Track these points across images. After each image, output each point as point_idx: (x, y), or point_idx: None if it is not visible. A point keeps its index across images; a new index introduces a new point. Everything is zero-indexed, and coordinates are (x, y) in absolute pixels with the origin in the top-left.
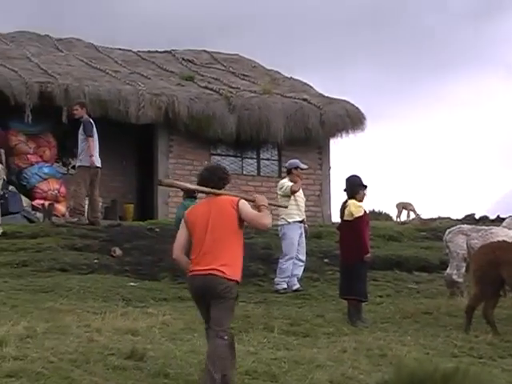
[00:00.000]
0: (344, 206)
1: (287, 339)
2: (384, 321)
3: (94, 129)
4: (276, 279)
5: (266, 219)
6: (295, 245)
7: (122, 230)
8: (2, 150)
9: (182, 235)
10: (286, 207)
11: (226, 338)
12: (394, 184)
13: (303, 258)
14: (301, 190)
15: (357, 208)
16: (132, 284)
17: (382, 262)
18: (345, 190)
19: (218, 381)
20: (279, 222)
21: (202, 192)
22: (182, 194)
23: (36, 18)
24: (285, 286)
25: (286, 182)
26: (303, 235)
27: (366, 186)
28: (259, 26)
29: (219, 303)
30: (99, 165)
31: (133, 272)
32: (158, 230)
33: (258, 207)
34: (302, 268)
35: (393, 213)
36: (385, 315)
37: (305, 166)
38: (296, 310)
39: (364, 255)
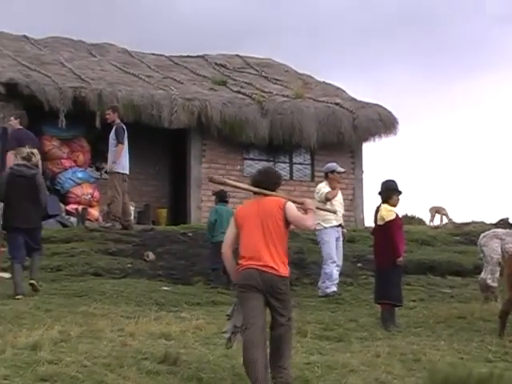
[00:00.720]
0: (377, 211)
1: (320, 344)
2: (417, 325)
3: (126, 135)
4: (323, 284)
5: (309, 221)
6: (334, 248)
7: (155, 234)
8: (39, 156)
9: (230, 233)
10: (335, 212)
11: (291, 325)
12: (427, 188)
13: (340, 262)
14: (339, 195)
15: (388, 212)
16: (165, 288)
17: (415, 267)
18: (379, 194)
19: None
20: (316, 227)
21: (252, 191)
22: (214, 198)
23: (70, 23)
24: (334, 288)
25: (322, 188)
26: (340, 239)
27: (400, 192)
28: (293, 29)
29: (279, 299)
30: (127, 172)
31: (166, 276)
32: (190, 234)
33: (305, 210)
34: (339, 272)
35: (426, 217)
36: (418, 320)
37: (342, 170)
38: (329, 314)
39: (396, 259)
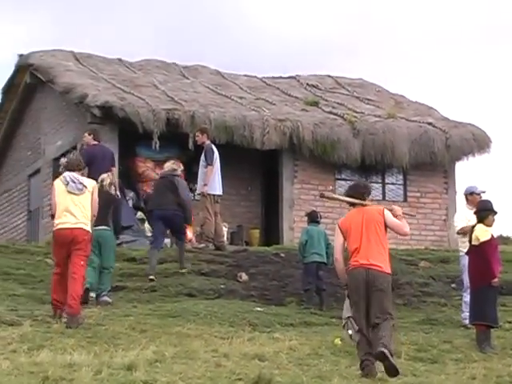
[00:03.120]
0: (472, 231)
1: (414, 365)
2: None
3: (216, 156)
4: (464, 314)
5: (406, 228)
6: None
7: (247, 255)
8: (114, 169)
9: (339, 241)
10: (414, 215)
11: (392, 319)
12: None
13: None
14: None
15: (483, 232)
16: (258, 309)
17: (511, 288)
18: (475, 214)
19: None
20: (459, 254)
21: (355, 203)
22: (306, 219)
23: (163, 46)
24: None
25: (459, 221)
26: None
27: (495, 212)
28: (384, 49)
29: (381, 293)
30: (220, 193)
31: (259, 297)
32: (283, 255)
33: (395, 216)
34: None
35: None
36: None
37: (481, 190)
38: (423, 335)
39: (491, 280)
